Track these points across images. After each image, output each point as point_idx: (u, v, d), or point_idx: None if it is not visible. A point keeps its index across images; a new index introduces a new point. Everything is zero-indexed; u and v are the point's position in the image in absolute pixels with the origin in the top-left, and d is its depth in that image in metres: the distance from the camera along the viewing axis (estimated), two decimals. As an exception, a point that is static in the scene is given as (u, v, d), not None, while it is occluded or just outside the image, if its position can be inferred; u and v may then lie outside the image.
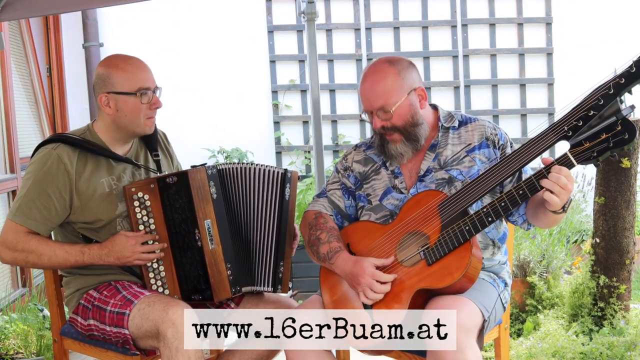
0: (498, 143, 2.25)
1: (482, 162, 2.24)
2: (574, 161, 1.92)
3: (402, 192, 2.28)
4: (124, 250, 2.27)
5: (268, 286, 2.39)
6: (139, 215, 2.32)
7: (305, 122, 5.79)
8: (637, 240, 3.70)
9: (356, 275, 2.13)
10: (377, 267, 2.13)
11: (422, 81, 2.30)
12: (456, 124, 2.30)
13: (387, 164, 2.33)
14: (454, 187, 2.22)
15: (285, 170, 2.43)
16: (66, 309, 2.52)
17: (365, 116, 2.29)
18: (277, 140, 5.82)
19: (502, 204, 2.01)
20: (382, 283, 2.10)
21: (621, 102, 1.94)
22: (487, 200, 2.17)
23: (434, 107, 2.34)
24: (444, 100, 5.82)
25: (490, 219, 2.02)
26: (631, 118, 1.97)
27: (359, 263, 2.14)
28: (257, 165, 2.41)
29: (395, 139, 2.23)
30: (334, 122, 5.85)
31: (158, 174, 2.42)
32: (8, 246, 2.26)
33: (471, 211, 2.07)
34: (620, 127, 1.87)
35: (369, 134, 5.66)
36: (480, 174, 2.12)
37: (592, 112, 1.95)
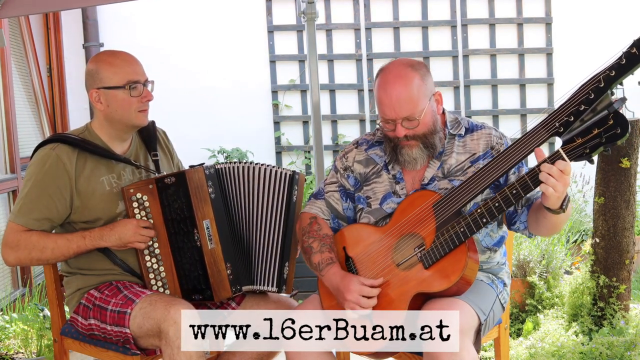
0: None
1: None
2: (566, 158, 1.86)
3: (401, 198, 2.23)
4: (127, 230, 2.27)
5: (272, 286, 2.39)
6: (138, 217, 2.31)
7: (305, 122, 5.79)
8: (637, 240, 3.70)
9: (342, 292, 2.11)
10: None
11: None
12: (462, 131, 2.24)
13: (390, 167, 2.27)
14: None
15: (294, 172, 2.41)
16: (66, 309, 2.52)
17: (380, 123, 2.18)
18: (277, 140, 5.81)
19: (496, 204, 1.98)
20: (369, 298, 2.08)
21: (612, 94, 1.89)
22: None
23: (442, 111, 2.28)
24: (444, 101, 5.78)
25: (484, 220, 1.99)
26: (631, 118, 1.94)
27: (346, 279, 2.12)
28: (262, 165, 2.39)
29: (412, 144, 2.16)
30: (334, 122, 5.85)
31: (156, 175, 2.42)
32: (11, 246, 2.26)
33: (466, 212, 2.06)
34: (612, 122, 1.80)
35: (369, 134, 5.65)
36: (473, 172, 2.09)
37: (583, 106, 1.90)
